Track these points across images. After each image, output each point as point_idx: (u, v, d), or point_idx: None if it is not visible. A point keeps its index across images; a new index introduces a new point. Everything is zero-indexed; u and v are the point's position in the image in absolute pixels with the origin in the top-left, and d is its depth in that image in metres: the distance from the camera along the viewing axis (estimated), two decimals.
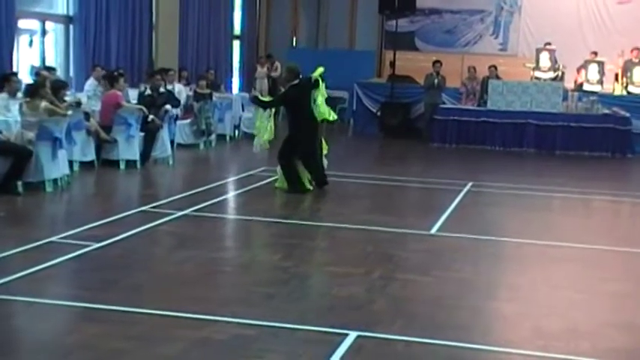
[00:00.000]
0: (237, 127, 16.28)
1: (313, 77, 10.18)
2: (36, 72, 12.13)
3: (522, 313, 5.85)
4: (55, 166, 9.47)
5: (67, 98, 10.81)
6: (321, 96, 10.33)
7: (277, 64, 19.99)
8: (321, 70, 10.23)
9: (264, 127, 10.40)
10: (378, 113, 17.75)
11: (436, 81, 17.04)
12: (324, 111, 10.29)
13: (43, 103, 9.54)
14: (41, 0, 14.79)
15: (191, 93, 14.96)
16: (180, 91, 14.67)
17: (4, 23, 12.47)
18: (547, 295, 6.34)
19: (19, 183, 9.09)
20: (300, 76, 10.31)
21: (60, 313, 5.51)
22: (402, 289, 6.23)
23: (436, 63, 17.27)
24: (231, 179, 11.27)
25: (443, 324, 5.49)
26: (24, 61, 13.50)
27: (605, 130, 15.60)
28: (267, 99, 11.21)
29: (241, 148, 15.26)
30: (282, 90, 11.27)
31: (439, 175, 12.41)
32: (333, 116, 10.45)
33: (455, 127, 16.24)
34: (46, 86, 9.91)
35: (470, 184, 11.23)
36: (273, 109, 10.71)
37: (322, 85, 10.29)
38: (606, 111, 16.00)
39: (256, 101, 10.77)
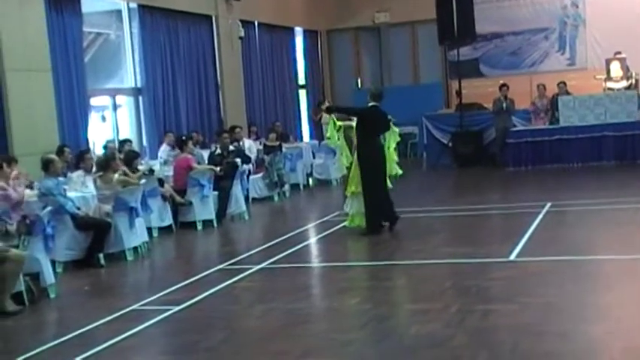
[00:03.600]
0: (309, 175, 16.41)
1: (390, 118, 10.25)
2: (104, 145, 12.55)
3: (612, 333, 5.61)
4: (134, 235, 9.70)
5: (140, 167, 11.11)
6: (394, 141, 10.42)
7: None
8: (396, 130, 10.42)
9: (338, 143, 10.44)
10: (450, 144, 17.60)
11: (504, 105, 16.82)
12: (390, 164, 10.31)
13: (116, 176, 9.84)
14: (113, 76, 15.41)
15: (261, 147, 15.18)
16: (251, 146, 14.89)
17: (78, 103, 13.02)
18: (637, 312, 6.07)
19: (101, 255, 9.34)
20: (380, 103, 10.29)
21: None
22: (483, 320, 6.07)
23: (503, 87, 17.06)
24: (305, 228, 11.30)
25: (529, 352, 5.33)
26: (99, 137, 14.00)
27: None
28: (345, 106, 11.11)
29: (315, 196, 15.38)
30: None
31: (516, 199, 12.20)
32: (397, 172, 10.45)
33: (529, 149, 15.98)
34: (117, 158, 10.20)
35: (548, 204, 10.96)
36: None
37: (396, 131, 10.42)
38: None
39: (333, 108, 10.77)
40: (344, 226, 10.42)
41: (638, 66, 17.34)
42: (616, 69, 17.08)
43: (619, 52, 17.57)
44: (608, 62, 17.36)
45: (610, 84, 17.02)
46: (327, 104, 10.66)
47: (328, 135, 10.62)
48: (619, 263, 7.69)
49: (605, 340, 5.52)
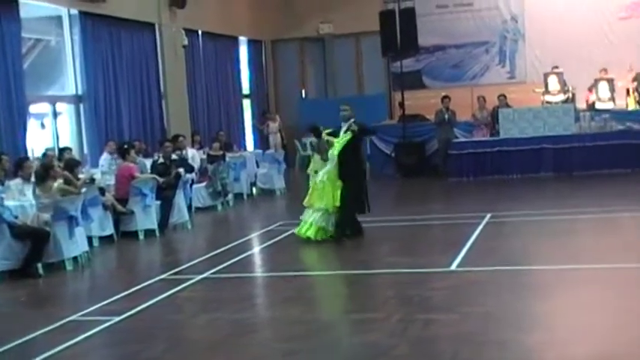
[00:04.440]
0: (253, 184, 16.40)
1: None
2: (43, 153, 12.32)
3: (547, 342, 5.73)
4: (74, 245, 9.55)
5: (81, 175, 10.94)
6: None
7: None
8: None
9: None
10: (393, 155, 17.78)
11: (446, 116, 17.09)
12: None
13: (55, 184, 9.68)
14: (54, 83, 15.14)
15: (204, 156, 15.10)
16: (194, 155, 14.81)
17: (16, 110, 12.74)
18: (572, 320, 6.23)
19: (39, 265, 9.16)
20: None
21: None
22: (425, 329, 6.15)
23: (445, 98, 17.33)
24: (249, 237, 11.27)
25: None
26: (38, 145, 13.73)
27: (622, 147, 15.48)
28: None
29: (259, 205, 15.37)
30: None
31: (458, 209, 12.39)
32: None
33: (471, 160, 16.23)
34: (55, 165, 10.04)
35: (489, 215, 11.16)
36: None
37: None
38: (621, 127, 15.90)
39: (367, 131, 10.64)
40: (308, 238, 10.10)
41: (574, 80, 17.83)
42: (554, 83, 17.52)
43: (556, 67, 18.04)
44: (546, 76, 17.79)
45: (548, 97, 17.45)
46: (355, 127, 10.53)
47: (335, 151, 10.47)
48: (555, 273, 7.86)
49: (541, 349, 5.63)
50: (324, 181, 10.15)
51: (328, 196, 10.11)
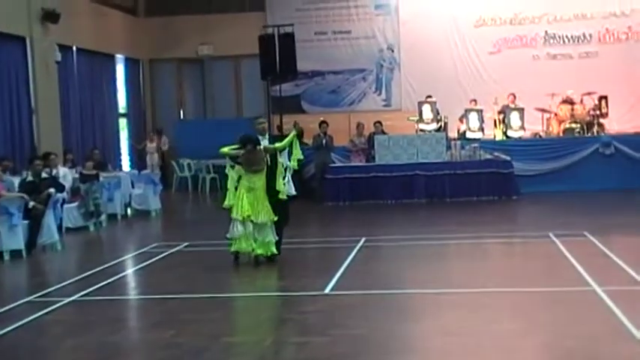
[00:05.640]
0: (127, 205, 16.05)
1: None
2: None
3: None
4: None
5: None
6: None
7: (165, 138, 20.35)
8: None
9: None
10: None
11: (324, 141, 17.34)
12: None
13: None
14: None
15: (77, 175, 14.68)
16: (66, 174, 14.36)
17: None
18: (440, 343, 6.41)
19: None
20: None
21: None
22: (297, 352, 6.19)
23: (322, 124, 17.57)
24: (122, 259, 11.00)
25: None
26: None
27: (489, 175, 16.17)
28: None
29: (133, 226, 15.04)
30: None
31: (333, 233, 12.56)
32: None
33: (347, 185, 16.51)
34: None
35: (363, 239, 11.36)
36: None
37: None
38: (488, 156, 16.59)
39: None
40: (268, 256, 9.86)
41: (446, 110, 18.52)
42: (427, 111, 18.12)
43: (430, 96, 18.67)
44: (420, 105, 18.37)
45: (422, 125, 18.02)
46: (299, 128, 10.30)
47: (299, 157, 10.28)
48: (426, 297, 8.08)
49: None
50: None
51: (269, 209, 9.91)
